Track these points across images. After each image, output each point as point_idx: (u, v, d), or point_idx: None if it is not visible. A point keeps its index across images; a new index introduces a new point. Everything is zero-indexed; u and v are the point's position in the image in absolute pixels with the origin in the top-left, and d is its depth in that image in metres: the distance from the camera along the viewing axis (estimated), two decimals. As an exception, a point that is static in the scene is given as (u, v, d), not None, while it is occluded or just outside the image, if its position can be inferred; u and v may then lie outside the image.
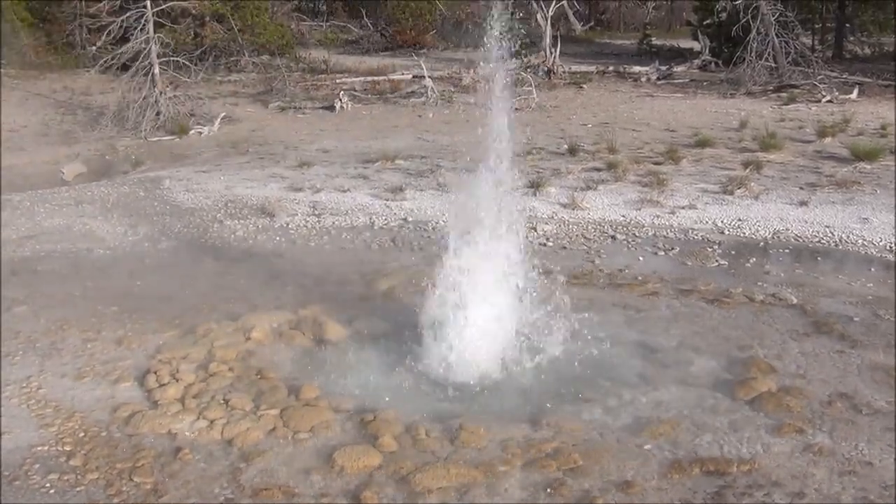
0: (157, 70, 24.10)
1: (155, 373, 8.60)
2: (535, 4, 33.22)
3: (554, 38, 32.14)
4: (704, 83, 30.04)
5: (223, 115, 24.24)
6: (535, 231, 13.63)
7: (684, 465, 6.88)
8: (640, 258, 12.54)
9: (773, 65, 28.77)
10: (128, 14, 23.92)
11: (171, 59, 24.66)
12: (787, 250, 12.73)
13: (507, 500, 6.55)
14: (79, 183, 19.02)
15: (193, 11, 28.51)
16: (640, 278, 11.61)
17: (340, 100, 26.13)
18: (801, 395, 8.04)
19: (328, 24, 37.98)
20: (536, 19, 33.14)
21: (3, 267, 12.27)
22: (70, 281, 11.69)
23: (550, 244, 13.16)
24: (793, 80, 28.07)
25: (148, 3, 23.98)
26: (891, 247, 12.41)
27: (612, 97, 27.95)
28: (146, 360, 8.98)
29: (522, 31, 10.52)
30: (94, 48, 26.27)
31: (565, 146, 19.42)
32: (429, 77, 27.63)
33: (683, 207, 14.55)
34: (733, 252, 12.68)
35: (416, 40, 38.10)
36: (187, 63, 25.35)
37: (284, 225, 14.39)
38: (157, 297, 10.90)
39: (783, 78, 28.31)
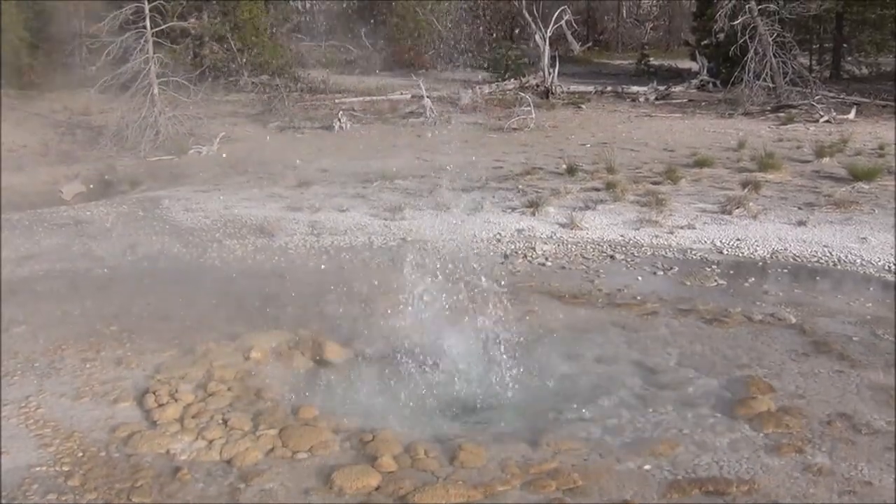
0: (156, 90, 24.17)
1: (154, 392, 8.59)
2: (533, 25, 33.32)
3: (552, 58, 32.23)
4: (702, 103, 30.12)
5: (222, 134, 24.27)
6: (535, 251, 13.65)
7: (684, 486, 6.88)
8: (639, 278, 12.55)
9: (771, 85, 28.86)
10: (127, 34, 23.98)
11: (171, 78, 24.71)
12: (785, 270, 12.74)
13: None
14: (78, 202, 19.03)
15: (193, 32, 28.63)
16: (638, 298, 11.62)
17: (339, 120, 26.17)
18: (800, 415, 8.04)
19: (327, 44, 38.11)
20: (535, 40, 33.24)
21: (2, 287, 12.27)
22: (69, 300, 11.67)
23: (549, 264, 13.17)
24: (791, 100, 28.16)
25: (147, 24, 24.08)
26: (889, 266, 12.43)
27: (610, 117, 28.02)
28: (145, 379, 8.97)
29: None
30: (93, 68, 26.31)
31: (564, 166, 19.46)
32: (427, 97, 27.69)
33: (682, 227, 14.56)
34: (732, 272, 12.69)
35: (415, 60, 38.20)
36: (186, 83, 25.37)
37: (283, 244, 14.41)
38: (156, 317, 10.89)
39: (781, 98, 28.40)
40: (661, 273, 12.74)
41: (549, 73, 31.66)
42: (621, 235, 14.32)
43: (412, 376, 8.88)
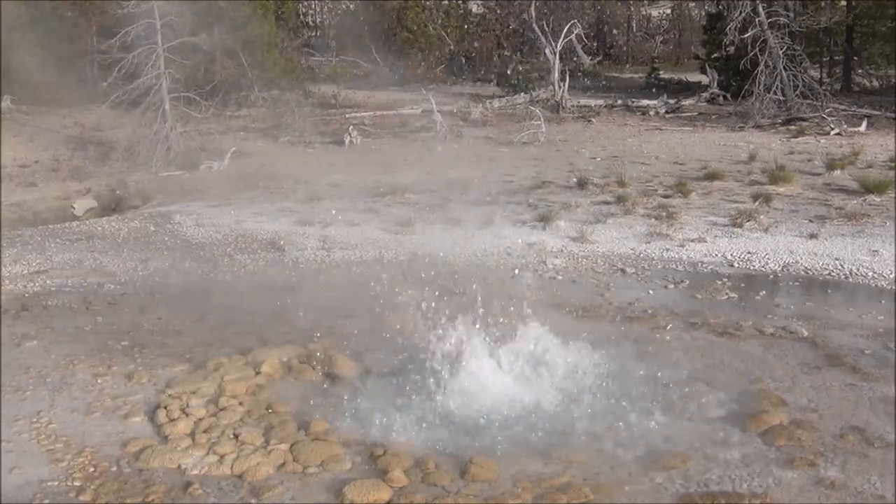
0: (167, 105, 24.22)
1: (165, 407, 8.62)
2: (543, 39, 33.36)
3: (562, 72, 32.24)
4: (713, 116, 30.08)
5: (233, 149, 24.31)
6: (545, 265, 13.65)
7: (696, 499, 6.86)
8: (650, 291, 12.53)
9: (782, 98, 28.80)
10: (139, 50, 24.04)
11: (182, 94, 24.78)
12: (796, 283, 12.73)
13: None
14: (90, 218, 19.10)
15: (204, 47, 28.65)
16: (649, 311, 11.60)
17: (350, 134, 26.19)
18: (812, 429, 8.02)
19: (337, 59, 38.15)
20: (545, 54, 33.27)
21: (14, 302, 12.33)
22: (80, 316, 11.72)
23: (560, 278, 13.16)
24: (801, 112, 28.08)
25: (159, 40, 24.14)
26: (902, 279, 12.41)
27: (620, 131, 28.00)
28: (156, 394, 8.99)
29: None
30: (105, 84, 26.39)
31: (574, 180, 19.45)
32: (437, 111, 27.70)
33: (693, 240, 14.56)
34: (743, 285, 12.67)
35: (426, 75, 38.24)
36: (198, 98, 25.45)
37: (294, 259, 14.44)
38: (168, 332, 10.93)
39: (792, 111, 28.32)
40: (672, 286, 12.73)
41: (560, 87, 31.67)
42: (632, 249, 14.32)
43: (421, 391, 8.86)
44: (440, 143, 25.86)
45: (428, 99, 29.00)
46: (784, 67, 28.69)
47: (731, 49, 31.25)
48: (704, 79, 35.72)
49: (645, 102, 32.15)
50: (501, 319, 9.55)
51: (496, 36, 43.28)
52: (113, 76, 24.52)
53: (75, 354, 10.10)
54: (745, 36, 28.85)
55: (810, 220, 15.59)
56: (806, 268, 13.19)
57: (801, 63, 29.11)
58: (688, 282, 12.86)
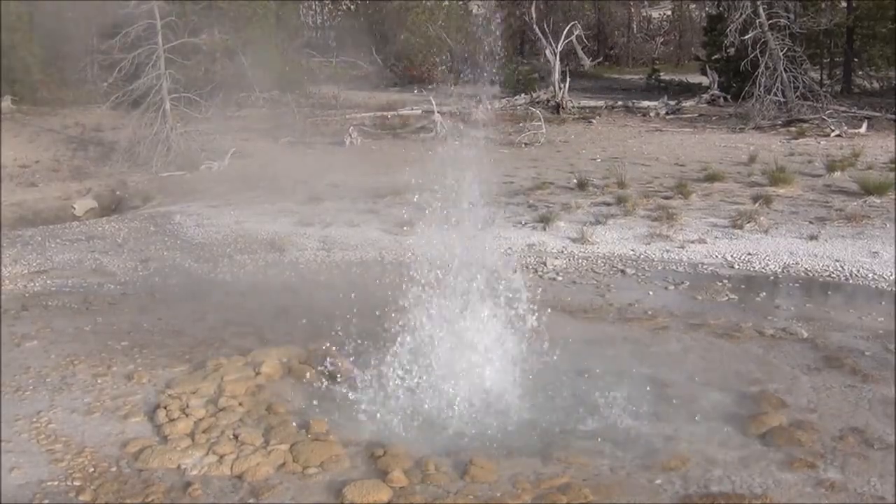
0: (168, 106, 24.22)
1: (165, 408, 8.61)
2: (544, 40, 33.36)
3: (563, 73, 32.24)
4: (713, 118, 30.06)
5: (233, 150, 24.30)
6: (545, 266, 13.64)
7: (695, 501, 6.86)
8: (650, 292, 12.52)
9: (782, 99, 28.79)
10: (139, 50, 24.04)
11: (182, 94, 24.76)
12: (797, 284, 12.73)
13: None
14: (90, 218, 19.11)
15: (204, 48, 28.64)
16: (649, 313, 11.59)
17: (350, 135, 26.17)
18: (812, 430, 8.02)
19: (338, 59, 38.15)
20: (546, 55, 33.28)
21: (14, 302, 12.33)
22: (80, 316, 11.71)
23: (560, 279, 13.16)
24: (802, 114, 28.05)
25: (159, 40, 24.14)
26: (902, 280, 12.41)
27: (621, 132, 27.99)
28: (156, 394, 8.98)
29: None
30: (105, 84, 26.38)
31: (574, 181, 19.44)
32: (438, 112, 27.69)
33: (693, 241, 14.55)
34: (743, 286, 12.67)
35: (426, 75, 38.24)
36: (198, 99, 25.43)
37: (294, 259, 14.43)
38: (168, 332, 10.92)
39: (792, 112, 28.30)
40: (672, 288, 12.72)
41: (560, 88, 31.67)
42: (632, 250, 14.32)
43: (420, 393, 8.86)
44: (440, 143, 25.82)
45: (428, 100, 29.00)
46: (784, 69, 28.69)
47: (732, 50, 31.27)
48: (705, 80, 35.69)
49: (645, 103, 32.14)
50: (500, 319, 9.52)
51: (497, 37, 43.26)
52: (113, 76, 24.53)
53: (75, 354, 10.09)
54: (746, 37, 28.86)
55: (810, 222, 15.58)
56: (806, 269, 13.19)
57: (801, 64, 29.11)
58: (688, 283, 12.86)
